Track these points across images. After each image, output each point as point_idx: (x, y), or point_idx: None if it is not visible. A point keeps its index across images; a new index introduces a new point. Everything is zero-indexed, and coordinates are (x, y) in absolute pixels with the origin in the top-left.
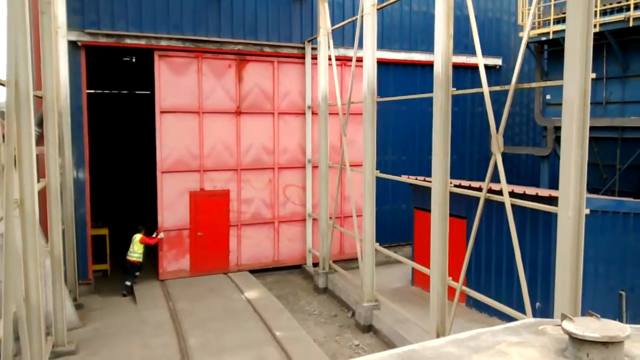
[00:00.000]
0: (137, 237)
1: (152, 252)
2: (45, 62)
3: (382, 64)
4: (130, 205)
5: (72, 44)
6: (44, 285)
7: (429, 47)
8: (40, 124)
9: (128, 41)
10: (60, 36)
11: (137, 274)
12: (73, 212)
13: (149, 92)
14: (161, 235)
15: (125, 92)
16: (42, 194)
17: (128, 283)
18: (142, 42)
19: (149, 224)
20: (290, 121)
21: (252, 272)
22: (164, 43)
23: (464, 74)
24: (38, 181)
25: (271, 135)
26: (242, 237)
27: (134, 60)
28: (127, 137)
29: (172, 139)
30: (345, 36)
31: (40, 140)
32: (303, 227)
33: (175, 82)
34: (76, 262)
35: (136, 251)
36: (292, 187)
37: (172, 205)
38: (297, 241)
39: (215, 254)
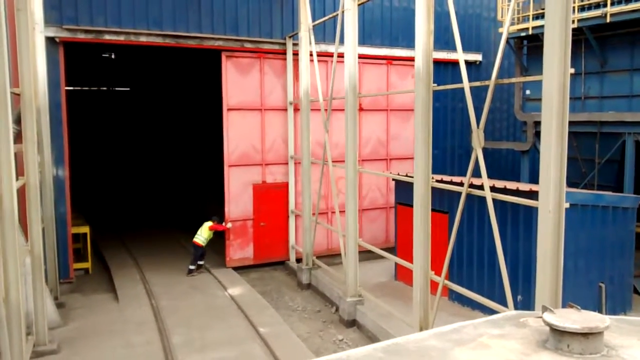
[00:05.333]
0: (208, 223)
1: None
2: (22, 59)
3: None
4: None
5: (50, 40)
6: (24, 284)
7: (409, 44)
8: (18, 121)
9: (107, 37)
10: (37, 32)
11: (202, 262)
12: (53, 210)
13: (128, 89)
14: (229, 225)
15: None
16: (21, 193)
17: (191, 267)
18: (121, 37)
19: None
20: (342, 117)
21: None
22: (143, 39)
23: (444, 70)
24: (17, 179)
25: (324, 130)
26: (299, 227)
27: (113, 56)
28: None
29: (237, 134)
30: (326, 32)
31: (18, 138)
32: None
33: (240, 82)
34: (57, 261)
35: (202, 235)
36: (344, 180)
37: (238, 197)
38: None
39: (276, 243)
